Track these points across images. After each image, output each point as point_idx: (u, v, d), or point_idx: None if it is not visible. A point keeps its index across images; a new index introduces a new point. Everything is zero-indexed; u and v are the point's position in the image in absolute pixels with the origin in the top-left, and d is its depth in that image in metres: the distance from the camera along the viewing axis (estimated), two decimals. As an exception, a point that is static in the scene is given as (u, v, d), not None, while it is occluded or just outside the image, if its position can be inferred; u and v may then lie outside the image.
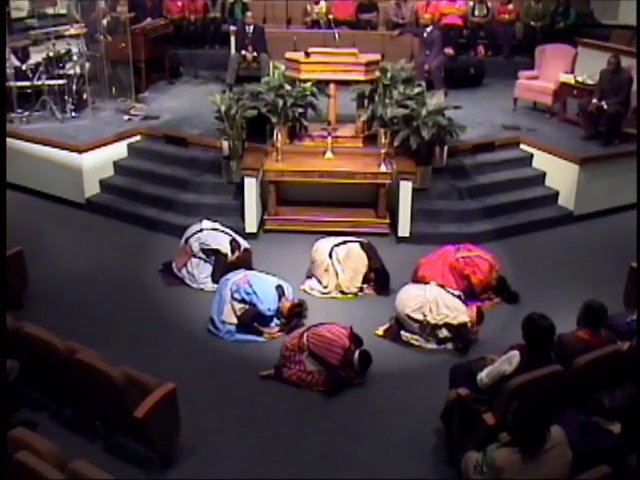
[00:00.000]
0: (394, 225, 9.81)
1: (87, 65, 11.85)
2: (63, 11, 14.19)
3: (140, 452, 6.01)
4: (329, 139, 10.13)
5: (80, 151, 10.43)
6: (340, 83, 10.44)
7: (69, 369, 5.97)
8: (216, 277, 8.42)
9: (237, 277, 7.92)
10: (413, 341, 7.59)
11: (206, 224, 8.89)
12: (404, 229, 9.67)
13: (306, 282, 8.62)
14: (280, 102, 10.07)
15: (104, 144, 10.73)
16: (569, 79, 11.66)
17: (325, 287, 8.48)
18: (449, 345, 7.55)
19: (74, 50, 11.75)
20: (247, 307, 7.70)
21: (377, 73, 10.34)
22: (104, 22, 12.43)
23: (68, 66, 11.67)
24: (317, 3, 14.61)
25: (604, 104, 10.55)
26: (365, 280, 8.52)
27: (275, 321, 7.86)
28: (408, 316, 7.56)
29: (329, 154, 10.12)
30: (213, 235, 8.75)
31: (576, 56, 12.29)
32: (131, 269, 8.99)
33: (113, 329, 7.77)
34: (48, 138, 10.68)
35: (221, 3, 14.83)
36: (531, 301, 8.04)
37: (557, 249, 9.68)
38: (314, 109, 10.52)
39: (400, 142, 9.88)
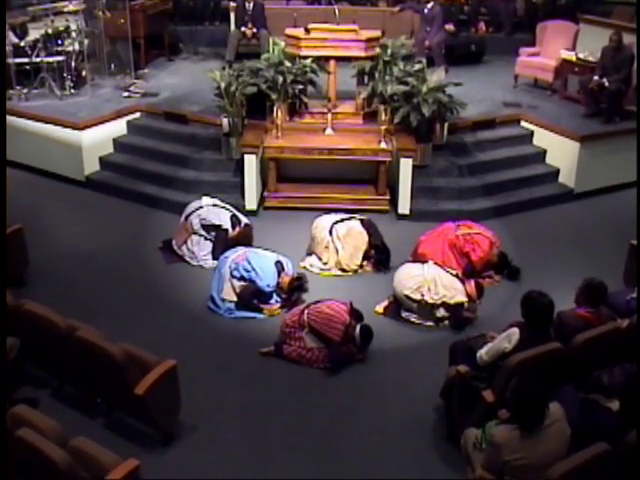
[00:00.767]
0: (394, 202, 9.79)
1: (86, 42, 11.75)
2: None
3: (141, 429, 6.03)
4: (329, 116, 10.09)
5: (79, 128, 10.38)
6: (340, 60, 10.37)
7: (70, 346, 5.97)
8: (217, 253, 8.41)
9: (236, 255, 7.91)
10: (412, 319, 7.59)
11: (206, 200, 8.87)
12: (404, 206, 9.65)
13: (306, 259, 8.61)
14: (280, 79, 10.01)
15: (103, 121, 10.68)
16: (570, 56, 11.57)
17: (325, 264, 8.47)
18: (446, 322, 7.57)
19: (73, 26, 11.63)
20: (246, 284, 7.69)
21: (377, 50, 10.27)
22: (103, -2, 12.33)
23: (67, 43, 11.57)
24: (317, -21, 14.48)
25: (605, 81, 10.48)
26: (365, 257, 8.50)
27: (275, 298, 7.86)
28: (407, 296, 7.55)
29: (329, 131, 10.08)
30: (213, 211, 8.73)
31: (578, 33, 12.19)
32: (131, 246, 8.97)
33: (113, 306, 7.77)
34: (47, 115, 10.62)
35: (221, -21, 14.70)
36: (531, 278, 8.04)
37: (557, 227, 9.66)
38: (314, 86, 10.46)
39: (400, 119, 9.83)
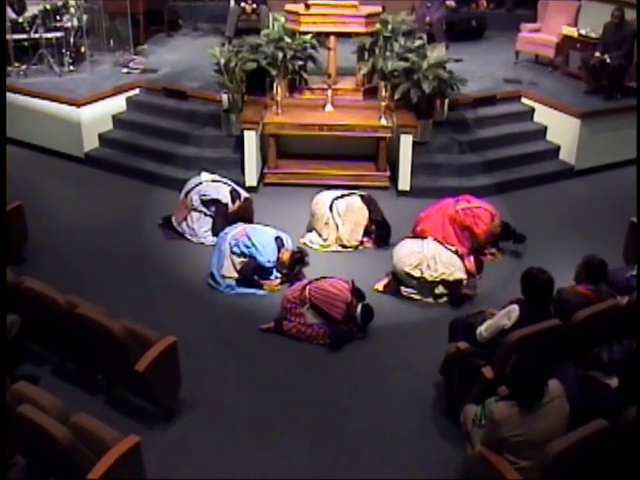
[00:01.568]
0: (394, 178, 9.77)
1: (85, 17, 11.62)
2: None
3: (141, 405, 6.04)
4: (329, 92, 10.03)
5: (79, 105, 10.32)
6: (340, 35, 10.28)
7: (70, 323, 5.97)
8: (217, 228, 8.40)
9: (235, 231, 7.90)
10: (412, 296, 7.59)
11: (205, 176, 8.83)
12: (404, 183, 9.62)
13: (306, 235, 8.60)
14: (280, 55, 9.94)
15: (103, 98, 10.61)
16: (572, 32, 11.48)
17: (325, 240, 8.45)
18: (445, 299, 7.58)
19: (71, 2, 11.49)
20: (247, 260, 7.69)
21: (378, 25, 10.17)
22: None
23: (65, 19, 11.43)
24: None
25: (607, 57, 10.40)
26: (366, 233, 8.49)
27: (275, 274, 7.85)
28: (407, 274, 7.54)
29: (329, 107, 10.03)
30: (213, 186, 8.70)
31: (579, 9, 12.07)
32: (130, 223, 8.95)
33: (113, 283, 7.76)
34: (46, 92, 10.55)
35: (220, -47, 14.55)
36: (530, 255, 8.03)
37: (557, 204, 9.64)
38: (314, 62, 10.38)
39: (401, 95, 9.78)
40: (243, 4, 12.59)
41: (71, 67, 11.27)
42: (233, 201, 8.60)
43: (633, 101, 10.23)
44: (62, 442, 4.48)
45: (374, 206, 8.52)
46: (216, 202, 8.57)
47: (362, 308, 7.00)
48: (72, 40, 11.37)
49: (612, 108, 10.37)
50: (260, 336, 7.04)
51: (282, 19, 10.40)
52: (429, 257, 7.52)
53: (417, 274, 7.50)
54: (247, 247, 7.69)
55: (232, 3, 13.01)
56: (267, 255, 7.72)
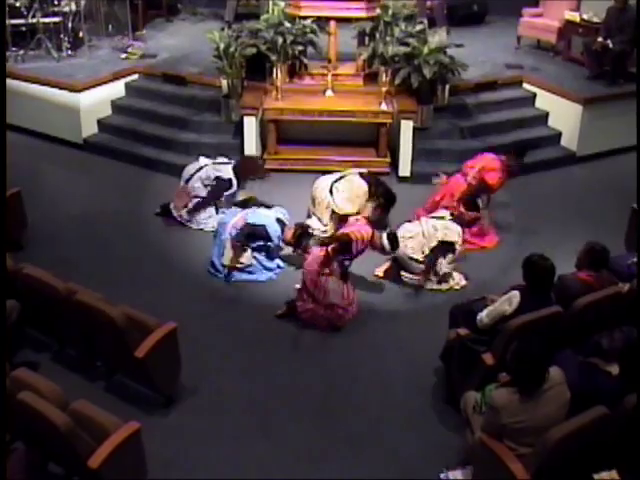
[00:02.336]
0: (395, 164, 9.75)
1: (83, 2, 11.57)
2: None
3: (141, 392, 6.06)
4: (329, 77, 10.00)
5: (77, 90, 10.29)
6: (341, 20, 10.23)
7: (69, 310, 5.98)
8: (214, 196, 8.47)
9: (234, 219, 7.85)
10: (414, 281, 7.60)
11: (204, 161, 8.79)
12: (405, 168, 9.61)
13: (306, 222, 8.59)
14: (280, 40, 9.90)
15: (101, 83, 10.59)
16: (574, 17, 11.45)
17: (326, 225, 8.43)
18: (451, 282, 7.59)
19: (69, -14, 11.51)
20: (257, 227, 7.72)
21: (378, 10, 10.14)
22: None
23: (63, 3, 11.39)
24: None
25: (610, 42, 10.36)
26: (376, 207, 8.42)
27: (277, 262, 7.84)
28: (410, 258, 7.55)
29: (329, 93, 10.01)
30: (214, 168, 8.62)
31: (582, -7, 12.06)
32: (130, 209, 8.95)
33: (113, 270, 7.76)
34: (44, 77, 10.52)
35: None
36: (532, 242, 8.01)
37: (559, 190, 9.63)
38: (314, 47, 10.34)
39: (401, 80, 9.75)
40: (243, -12, 12.57)
41: (69, 52, 11.25)
42: (236, 176, 8.58)
43: (635, 87, 10.19)
44: (62, 429, 4.49)
45: (374, 181, 8.40)
46: (218, 178, 8.55)
47: (387, 236, 7.12)
48: (70, 25, 11.34)
49: (615, 94, 10.33)
50: (260, 323, 7.05)
51: (282, 4, 10.37)
52: (427, 233, 7.52)
53: (420, 257, 7.51)
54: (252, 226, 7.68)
55: (231, -13, 12.97)
56: (273, 231, 7.73)
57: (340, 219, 8.20)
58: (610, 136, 10.28)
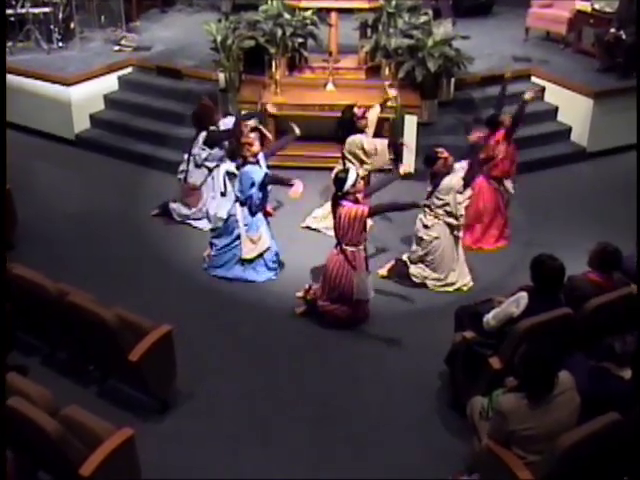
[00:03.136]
0: (398, 160, 9.73)
1: (74, -9, 11.62)
2: None
3: (135, 397, 6.06)
4: (330, 71, 9.99)
5: (68, 84, 10.29)
6: (342, 11, 10.26)
7: (60, 312, 5.98)
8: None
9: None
10: (424, 276, 7.60)
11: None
12: (408, 165, 9.58)
13: (306, 220, 8.61)
14: (279, 32, 9.90)
15: (93, 77, 10.59)
16: (585, 7, 11.44)
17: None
18: (459, 282, 7.61)
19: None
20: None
21: (381, 1, 10.15)
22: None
23: (54, -8, 11.44)
24: None
25: (622, 34, 10.35)
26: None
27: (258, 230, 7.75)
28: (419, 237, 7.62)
29: (330, 86, 10.01)
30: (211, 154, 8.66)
31: (593, -18, 12.04)
32: (123, 207, 8.96)
33: (106, 269, 7.77)
34: (34, 70, 10.52)
35: None
36: (540, 241, 8.01)
37: (569, 187, 9.63)
38: (315, 39, 10.34)
39: (405, 74, 9.76)
40: (240, -22, 12.56)
41: (60, 44, 11.24)
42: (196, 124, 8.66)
43: (649, 80, 10.21)
44: (52, 435, 4.49)
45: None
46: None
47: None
48: (61, 15, 11.34)
49: (627, 87, 10.30)
50: (259, 325, 7.06)
51: (281, -6, 10.38)
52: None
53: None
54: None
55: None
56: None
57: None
58: (622, 131, 10.25)
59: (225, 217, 7.83)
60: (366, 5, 10.05)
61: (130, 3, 12.38)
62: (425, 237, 7.57)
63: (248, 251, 7.64)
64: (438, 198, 7.47)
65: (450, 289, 7.61)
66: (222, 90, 10.02)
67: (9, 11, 11.09)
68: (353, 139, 8.24)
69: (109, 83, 10.78)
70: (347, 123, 8.32)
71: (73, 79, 10.34)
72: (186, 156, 8.65)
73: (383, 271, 7.77)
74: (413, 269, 7.67)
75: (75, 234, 8.42)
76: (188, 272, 7.82)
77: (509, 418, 4.71)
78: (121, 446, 4.74)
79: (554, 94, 10.62)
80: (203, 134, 8.58)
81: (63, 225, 8.58)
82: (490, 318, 5.79)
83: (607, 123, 10.17)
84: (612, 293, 5.88)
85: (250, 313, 7.20)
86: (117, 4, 11.95)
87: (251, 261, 7.69)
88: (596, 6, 11.26)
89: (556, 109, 10.61)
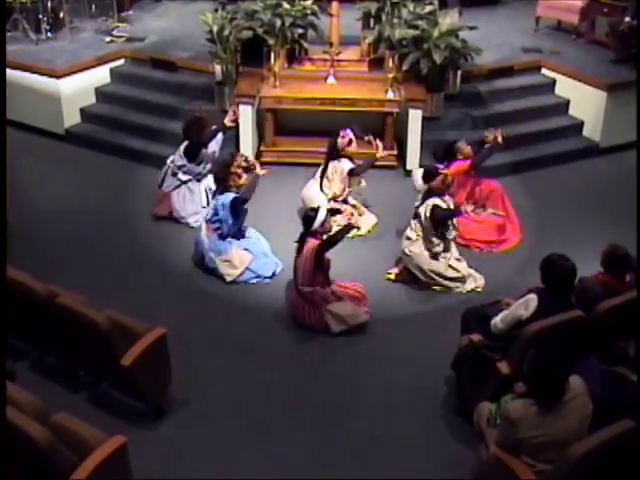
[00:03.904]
0: (402, 157, 9.75)
1: (64, -21, 11.63)
2: None
3: (128, 403, 6.07)
4: (331, 63, 10.00)
5: (58, 76, 10.31)
6: (344, 1, 10.28)
7: (50, 314, 5.98)
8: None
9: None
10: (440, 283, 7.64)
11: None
12: (413, 161, 9.62)
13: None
14: (278, 22, 9.90)
15: (84, 68, 10.60)
16: (599, -5, 11.45)
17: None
18: (471, 284, 7.63)
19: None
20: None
21: (385, -11, 10.16)
22: None
23: (42, -20, 11.46)
24: None
25: (637, 23, 10.34)
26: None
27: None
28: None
29: (331, 79, 10.01)
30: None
31: (607, -31, 12.04)
32: (115, 205, 8.97)
33: (97, 271, 7.78)
34: (21, 62, 10.53)
35: None
36: (551, 240, 8.02)
37: (580, 184, 9.63)
38: (315, 30, 10.35)
39: (409, 66, 9.76)
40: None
41: (49, 34, 11.25)
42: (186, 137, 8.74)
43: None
44: (41, 444, 4.49)
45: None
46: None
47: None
48: (49, 4, 11.33)
49: (641, 79, 10.33)
50: (256, 328, 7.06)
51: (280, -17, 10.38)
52: None
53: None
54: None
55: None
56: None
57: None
58: (636, 125, 10.25)
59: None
60: (369, -6, 10.08)
61: (122, -9, 12.41)
62: (406, 250, 7.64)
63: (229, 274, 7.70)
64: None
65: (464, 291, 7.62)
66: (218, 83, 10.02)
67: (-5, 0, 11.13)
68: (335, 165, 8.50)
69: (100, 75, 10.78)
70: (332, 148, 8.52)
71: (63, 71, 10.35)
72: (168, 161, 8.77)
73: (391, 275, 7.78)
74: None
75: (65, 233, 8.42)
76: (183, 273, 7.83)
77: (518, 425, 4.72)
78: (113, 455, 4.73)
79: (565, 87, 10.62)
80: (185, 143, 8.65)
81: (52, 224, 8.58)
82: (498, 321, 5.80)
83: (621, 117, 10.16)
84: (625, 295, 5.88)
85: (248, 315, 7.21)
86: (109, -8, 11.98)
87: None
88: (610, -6, 11.28)
89: (567, 103, 10.61)
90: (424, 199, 7.57)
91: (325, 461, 5.71)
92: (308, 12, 10.15)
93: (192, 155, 8.65)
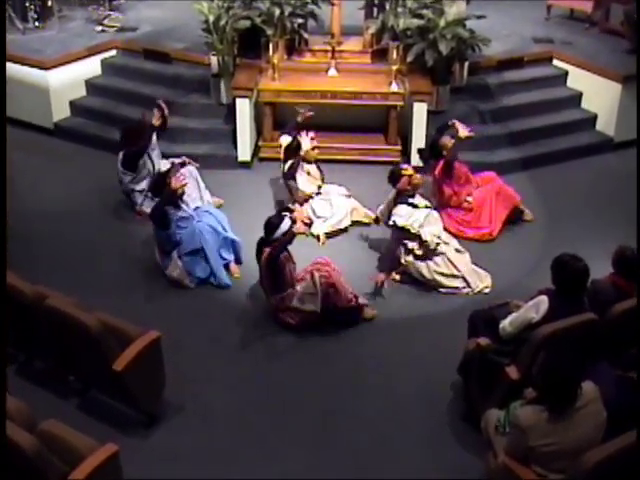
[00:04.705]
0: (406, 152, 9.76)
1: (52, -34, 11.64)
2: None
3: (120, 410, 6.07)
4: (333, 54, 10.01)
5: (46, 68, 10.32)
6: (345, -11, 10.28)
7: (38, 317, 5.98)
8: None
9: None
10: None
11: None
12: (417, 157, 9.59)
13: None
14: (277, 11, 9.90)
15: (74, 60, 10.62)
16: (613, -18, 11.44)
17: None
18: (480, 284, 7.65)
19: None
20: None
21: (388, -23, 10.17)
22: None
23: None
24: None
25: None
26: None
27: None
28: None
29: (333, 71, 10.02)
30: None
31: (622, -46, 12.03)
32: (106, 203, 8.98)
33: (88, 271, 7.79)
34: (8, 52, 10.45)
35: None
36: (562, 239, 8.02)
37: (593, 181, 9.64)
38: (315, 19, 10.35)
39: (414, 57, 9.76)
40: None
41: (37, 23, 11.26)
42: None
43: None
44: (29, 452, 4.48)
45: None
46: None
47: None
48: (38, -8, 11.35)
49: (658, 70, 10.32)
50: (253, 331, 7.07)
51: (279, -30, 10.38)
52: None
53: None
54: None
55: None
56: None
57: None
58: (636, 125, 10.24)
59: None
60: (372, -18, 10.08)
61: (114, -21, 12.41)
62: (402, 261, 7.72)
63: (187, 285, 7.72)
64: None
65: (471, 293, 7.63)
66: (215, 75, 10.02)
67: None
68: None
69: (91, 67, 10.80)
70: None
71: (51, 62, 10.37)
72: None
73: (396, 275, 7.79)
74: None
75: (53, 232, 8.43)
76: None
77: (528, 433, 4.72)
78: (104, 463, 4.73)
79: (578, 79, 10.62)
80: (121, 154, 8.66)
81: (40, 222, 8.59)
82: (507, 324, 5.80)
83: (636, 110, 10.15)
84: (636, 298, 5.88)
85: (245, 318, 7.22)
86: (100, -21, 11.99)
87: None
88: (625, -19, 11.26)
89: (580, 95, 10.61)
90: (395, 203, 7.60)
91: (324, 467, 5.72)
92: (308, 1, 10.15)
93: (131, 166, 8.63)
